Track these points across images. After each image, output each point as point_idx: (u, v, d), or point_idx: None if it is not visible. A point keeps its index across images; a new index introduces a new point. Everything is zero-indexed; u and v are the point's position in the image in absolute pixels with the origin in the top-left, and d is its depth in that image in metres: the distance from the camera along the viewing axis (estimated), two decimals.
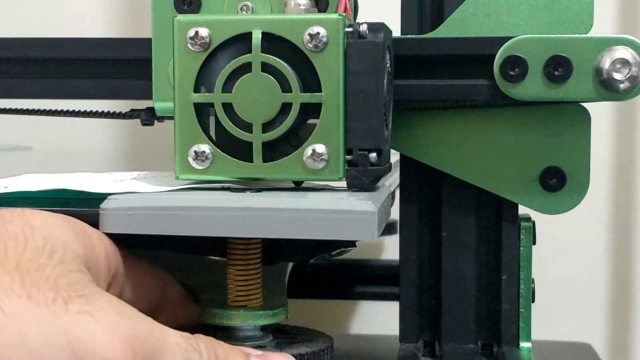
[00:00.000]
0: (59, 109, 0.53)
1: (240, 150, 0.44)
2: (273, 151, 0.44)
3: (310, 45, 0.43)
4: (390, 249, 0.77)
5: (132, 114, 0.52)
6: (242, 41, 0.44)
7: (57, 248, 0.38)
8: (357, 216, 0.41)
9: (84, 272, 0.38)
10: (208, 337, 0.41)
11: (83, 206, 0.43)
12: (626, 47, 0.46)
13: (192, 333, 0.46)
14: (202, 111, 0.45)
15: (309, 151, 0.44)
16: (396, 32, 0.49)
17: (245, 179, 0.45)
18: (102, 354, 0.35)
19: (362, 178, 0.44)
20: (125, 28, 0.89)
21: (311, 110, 0.44)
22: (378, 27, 0.44)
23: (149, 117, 0.51)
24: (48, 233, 0.39)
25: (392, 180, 0.52)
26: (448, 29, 0.49)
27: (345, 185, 0.44)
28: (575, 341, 0.75)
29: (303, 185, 0.47)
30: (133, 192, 0.44)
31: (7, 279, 0.35)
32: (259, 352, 0.43)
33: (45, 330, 0.34)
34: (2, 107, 0.54)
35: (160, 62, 0.49)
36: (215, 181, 0.45)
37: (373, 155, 0.44)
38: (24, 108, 0.54)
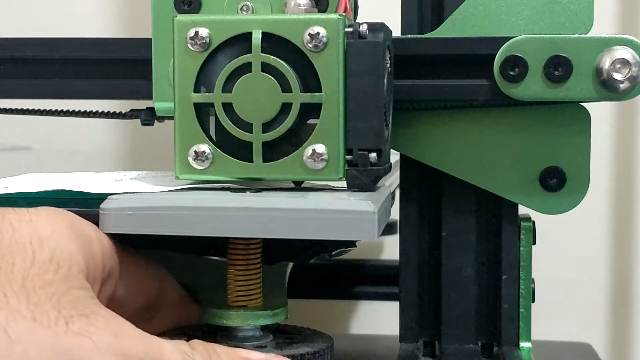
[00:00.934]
0: (59, 109, 0.53)
1: (240, 150, 0.44)
2: (273, 151, 0.44)
3: (310, 45, 0.43)
4: (390, 249, 0.77)
5: (132, 114, 0.52)
6: (242, 41, 0.44)
7: (62, 262, 0.39)
8: (357, 216, 0.41)
9: (85, 289, 0.39)
10: (205, 346, 0.41)
11: (83, 206, 0.43)
12: (626, 47, 0.46)
13: (192, 333, 0.46)
14: (202, 111, 0.45)
15: (309, 151, 0.44)
16: (396, 32, 0.49)
17: (245, 179, 0.45)
18: None
19: (362, 178, 0.44)
20: (125, 28, 0.89)
21: (311, 110, 0.44)
22: (378, 27, 0.44)
23: (149, 117, 0.51)
24: (55, 244, 0.39)
25: (392, 180, 0.52)
26: (448, 29, 0.49)
27: (345, 185, 0.44)
28: (575, 341, 0.75)
29: (303, 185, 0.47)
30: (133, 192, 0.44)
31: (14, 300, 0.36)
32: (261, 354, 0.43)
33: (47, 353, 0.36)
34: (2, 107, 0.54)
35: (160, 62, 0.49)
36: (215, 181, 0.45)
37: (373, 155, 0.44)
38: (24, 108, 0.54)
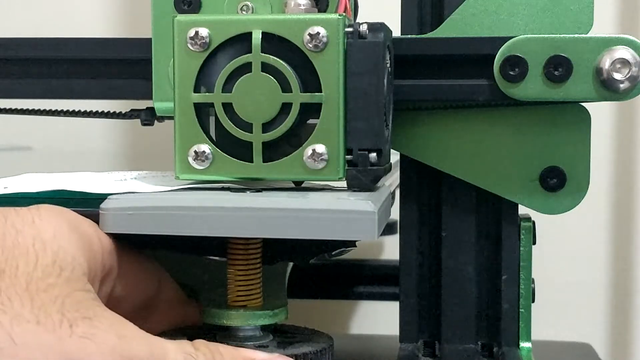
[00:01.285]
0: (59, 109, 0.53)
1: (240, 150, 0.44)
2: (273, 151, 0.44)
3: (310, 45, 0.43)
4: (390, 249, 0.77)
5: (132, 114, 0.52)
6: (242, 41, 0.44)
7: (65, 265, 0.39)
8: (357, 216, 0.41)
9: (88, 291, 0.39)
10: (209, 346, 0.41)
11: (83, 206, 0.43)
12: (626, 47, 0.46)
13: (193, 333, 0.46)
14: (202, 111, 0.45)
15: (309, 151, 0.44)
16: (396, 32, 0.49)
17: (245, 179, 0.45)
18: None
19: (362, 178, 0.44)
20: (125, 28, 0.89)
21: (311, 110, 0.44)
22: (378, 27, 0.44)
23: (149, 117, 0.51)
24: (58, 247, 0.40)
25: (392, 180, 0.52)
26: (448, 29, 0.49)
27: (345, 185, 0.44)
28: (575, 341, 0.75)
29: (303, 185, 0.47)
30: (133, 192, 0.44)
31: (18, 304, 0.37)
32: (264, 354, 0.43)
33: (52, 356, 0.36)
34: (2, 107, 0.54)
35: (160, 62, 0.49)
36: (215, 181, 0.45)
37: (373, 155, 0.44)
38: (24, 108, 0.54)
